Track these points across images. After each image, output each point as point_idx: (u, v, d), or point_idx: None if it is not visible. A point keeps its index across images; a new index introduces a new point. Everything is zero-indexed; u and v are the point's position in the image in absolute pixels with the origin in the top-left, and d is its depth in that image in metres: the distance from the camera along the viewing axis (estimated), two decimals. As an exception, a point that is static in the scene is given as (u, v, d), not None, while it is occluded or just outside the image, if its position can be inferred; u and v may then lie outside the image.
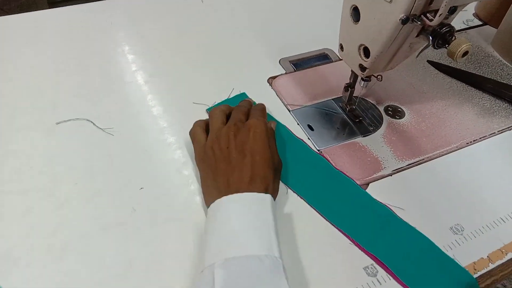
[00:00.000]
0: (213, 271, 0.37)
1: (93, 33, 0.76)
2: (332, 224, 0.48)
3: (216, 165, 0.48)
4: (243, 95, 0.59)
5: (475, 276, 0.45)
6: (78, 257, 0.45)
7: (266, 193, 0.45)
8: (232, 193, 0.44)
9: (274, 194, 0.48)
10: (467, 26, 0.84)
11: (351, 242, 0.47)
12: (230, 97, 0.55)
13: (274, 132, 0.56)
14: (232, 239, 0.40)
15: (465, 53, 0.43)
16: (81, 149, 0.55)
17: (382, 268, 0.45)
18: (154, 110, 0.61)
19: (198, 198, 0.50)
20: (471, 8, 0.88)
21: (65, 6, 0.83)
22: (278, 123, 0.59)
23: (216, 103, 0.58)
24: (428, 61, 0.72)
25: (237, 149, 0.48)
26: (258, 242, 0.40)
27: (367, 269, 0.45)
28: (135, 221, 0.48)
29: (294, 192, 0.51)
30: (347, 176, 0.53)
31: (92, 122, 0.58)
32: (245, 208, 0.43)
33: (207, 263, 0.39)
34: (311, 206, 0.50)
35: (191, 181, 0.52)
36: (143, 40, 0.75)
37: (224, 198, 0.44)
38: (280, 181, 0.52)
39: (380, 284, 0.44)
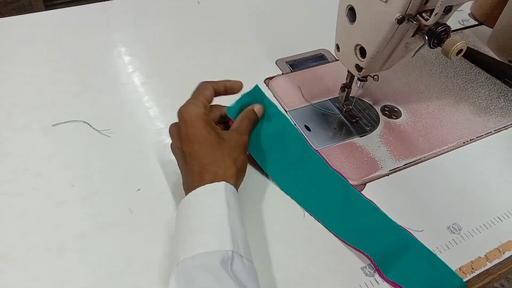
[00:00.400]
0: (169, 281, 0.38)
1: (90, 35, 0.76)
2: (326, 227, 0.48)
3: (179, 167, 0.49)
4: (256, 89, 0.53)
5: (472, 275, 0.45)
6: (75, 257, 0.45)
7: (218, 181, 0.43)
8: (187, 192, 0.44)
9: (231, 178, 0.45)
10: (463, 26, 0.84)
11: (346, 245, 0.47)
12: (244, 93, 0.52)
13: (214, 111, 0.51)
14: (185, 240, 0.40)
15: (460, 51, 0.43)
16: (78, 151, 0.55)
17: (375, 269, 0.45)
18: (150, 111, 0.61)
19: (195, 199, 0.50)
20: (466, 8, 0.89)
21: (62, 8, 0.83)
22: (274, 110, 0.56)
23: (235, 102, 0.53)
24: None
25: (182, 145, 0.46)
26: (208, 238, 0.39)
27: (364, 269, 0.45)
28: (132, 221, 0.48)
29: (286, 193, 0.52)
30: (342, 175, 0.53)
31: (88, 123, 0.58)
32: (199, 204, 0.42)
33: (169, 272, 0.39)
34: (303, 209, 0.50)
35: (188, 182, 0.52)
36: (139, 41, 0.75)
37: (184, 198, 0.43)
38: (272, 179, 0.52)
39: (378, 284, 0.44)
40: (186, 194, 0.44)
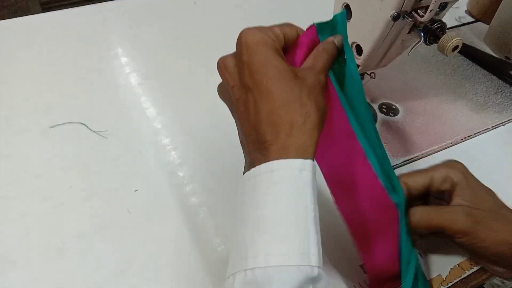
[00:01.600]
0: (233, 285, 0.29)
1: (87, 36, 0.76)
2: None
3: (233, 115, 0.37)
4: (343, 14, 0.38)
5: (471, 271, 0.45)
6: (74, 258, 0.45)
7: (303, 158, 0.31)
8: (257, 157, 0.32)
9: (314, 128, 0.32)
10: (460, 23, 0.84)
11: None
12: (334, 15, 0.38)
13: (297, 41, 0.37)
14: (257, 239, 0.30)
15: (455, 48, 0.43)
16: (76, 152, 0.55)
17: None
18: (148, 112, 0.61)
19: (194, 199, 0.50)
20: (463, 5, 0.89)
21: (59, 10, 0.83)
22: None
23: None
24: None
25: (241, 80, 0.34)
26: (289, 245, 0.29)
27: (364, 267, 0.45)
28: (131, 222, 0.48)
29: None
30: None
31: (86, 125, 0.58)
32: (276, 188, 0.30)
33: (229, 271, 0.30)
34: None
35: (186, 182, 0.52)
36: (136, 42, 0.75)
37: (251, 171, 0.32)
38: None
39: (377, 281, 0.44)
40: (248, 159, 0.33)
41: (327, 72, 0.36)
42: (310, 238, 0.29)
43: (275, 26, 0.35)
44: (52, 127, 0.58)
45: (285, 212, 0.30)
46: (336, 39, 0.37)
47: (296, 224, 0.29)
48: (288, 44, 0.36)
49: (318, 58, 0.35)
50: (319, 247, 0.30)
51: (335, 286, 0.43)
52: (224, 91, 0.37)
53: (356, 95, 0.39)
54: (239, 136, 0.36)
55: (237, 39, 0.35)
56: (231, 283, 0.29)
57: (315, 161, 0.32)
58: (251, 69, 0.33)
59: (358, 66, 0.52)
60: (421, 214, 0.39)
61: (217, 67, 0.37)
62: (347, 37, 0.38)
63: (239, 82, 0.34)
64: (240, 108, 0.34)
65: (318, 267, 0.29)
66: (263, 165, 0.31)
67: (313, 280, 0.28)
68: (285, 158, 0.31)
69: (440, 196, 0.44)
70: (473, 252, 0.41)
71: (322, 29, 0.38)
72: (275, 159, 0.31)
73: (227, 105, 0.37)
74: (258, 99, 0.32)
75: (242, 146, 0.35)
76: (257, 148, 0.32)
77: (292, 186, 0.30)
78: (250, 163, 0.33)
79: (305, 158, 0.31)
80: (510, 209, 0.42)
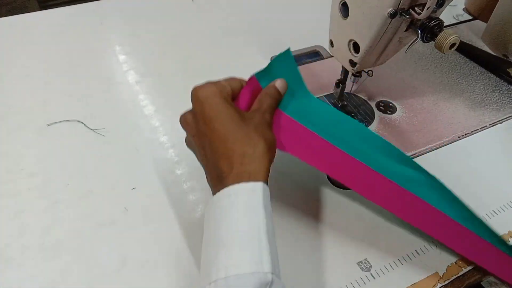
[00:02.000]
0: None
1: (84, 34, 0.75)
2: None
3: (199, 160, 0.42)
4: (287, 53, 0.45)
5: (468, 268, 0.45)
6: (71, 256, 0.45)
7: (254, 180, 0.36)
8: (218, 187, 0.37)
9: (263, 156, 0.37)
10: (458, 21, 0.84)
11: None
12: (272, 59, 0.44)
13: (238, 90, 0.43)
14: (219, 255, 0.34)
15: (453, 45, 0.43)
16: (73, 150, 0.55)
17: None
18: (145, 109, 0.61)
19: (191, 197, 0.50)
20: (461, 3, 0.89)
21: (56, 8, 0.82)
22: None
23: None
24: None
25: (198, 129, 0.40)
26: (244, 256, 0.33)
27: (360, 264, 0.45)
28: (128, 220, 0.48)
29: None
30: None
31: (83, 123, 0.58)
32: (232, 209, 0.35)
33: (201, 285, 0.34)
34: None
35: (184, 179, 0.52)
36: (134, 40, 0.75)
37: (213, 198, 0.37)
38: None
39: (374, 278, 0.44)
40: (213, 191, 0.38)
41: (272, 111, 0.42)
42: (262, 249, 0.33)
43: (221, 80, 0.42)
44: (49, 125, 0.58)
45: (240, 229, 0.34)
46: (277, 83, 0.44)
47: (249, 238, 0.34)
48: (235, 94, 0.42)
49: (262, 101, 0.42)
50: (273, 256, 0.34)
51: (332, 283, 0.44)
52: (189, 142, 0.43)
53: (331, 116, 0.46)
54: (206, 179, 0.41)
55: (190, 95, 0.40)
56: None
57: (265, 184, 0.37)
58: (204, 118, 0.39)
59: (356, 64, 0.52)
60: None
61: (180, 122, 0.43)
62: (297, 72, 0.45)
63: (196, 131, 0.40)
64: (201, 152, 0.40)
65: (272, 273, 0.32)
66: (221, 191, 0.36)
67: (268, 285, 0.32)
68: (239, 183, 0.36)
69: None
70: None
71: (262, 76, 0.44)
72: (231, 185, 0.36)
73: (194, 154, 0.43)
74: (214, 141, 0.38)
75: (210, 187, 0.40)
76: (218, 181, 0.37)
77: (246, 206, 0.35)
78: (214, 193, 0.37)
79: (256, 181, 0.36)
80: None
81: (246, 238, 0.34)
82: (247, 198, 0.36)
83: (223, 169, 0.37)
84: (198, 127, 0.40)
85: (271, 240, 0.35)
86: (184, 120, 0.42)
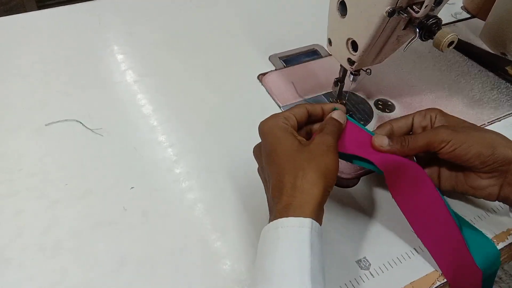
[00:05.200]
0: None
1: (82, 34, 0.75)
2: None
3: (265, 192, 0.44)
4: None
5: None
6: (70, 256, 0.45)
7: (301, 215, 0.36)
8: (271, 217, 0.39)
9: (313, 186, 0.38)
10: (456, 19, 0.84)
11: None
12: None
13: (297, 122, 0.44)
14: (262, 282, 0.35)
15: (451, 43, 0.43)
16: (71, 150, 0.55)
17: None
18: (144, 109, 0.61)
19: (190, 196, 0.50)
20: (459, 1, 0.89)
21: (54, 7, 0.82)
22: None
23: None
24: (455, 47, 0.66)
25: (262, 162, 0.43)
26: None
27: (360, 262, 0.45)
28: (126, 219, 0.48)
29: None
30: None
31: (81, 122, 0.58)
32: (278, 243, 0.36)
33: None
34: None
35: (183, 178, 0.52)
36: (132, 39, 0.75)
37: (265, 227, 0.38)
38: None
39: (373, 277, 0.44)
40: (270, 217, 0.39)
41: (334, 136, 0.42)
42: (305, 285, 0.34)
43: (286, 111, 0.44)
44: (48, 124, 0.58)
45: (283, 267, 0.35)
46: (334, 114, 0.45)
47: (292, 277, 0.34)
48: (301, 122, 0.44)
49: (325, 126, 0.44)
50: None
51: (331, 281, 0.44)
52: (259, 173, 0.46)
53: None
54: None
55: (258, 129, 0.43)
56: None
57: (314, 220, 0.37)
58: (266, 151, 0.41)
59: (354, 62, 0.52)
60: (409, 140, 0.45)
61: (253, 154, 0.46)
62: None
63: (261, 164, 0.43)
64: (264, 183, 0.44)
65: None
66: (272, 222, 0.37)
67: None
68: (287, 216, 0.36)
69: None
70: (457, 158, 0.44)
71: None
72: (280, 218, 0.37)
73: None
74: (271, 172, 0.40)
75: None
76: (271, 210, 0.40)
77: (291, 242, 0.36)
78: (268, 222, 0.39)
79: (304, 217, 0.36)
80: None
81: (289, 275, 0.34)
82: (293, 234, 0.36)
83: (275, 200, 0.39)
84: (263, 160, 0.42)
85: (316, 280, 0.35)
86: (254, 152, 0.46)
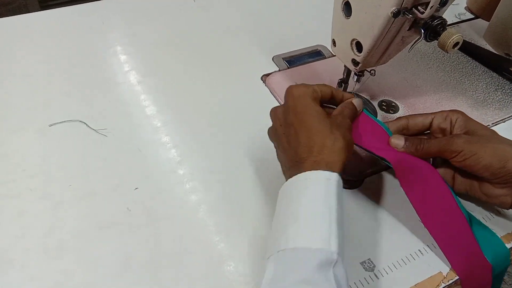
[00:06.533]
0: (267, 264, 0.37)
1: (85, 34, 0.75)
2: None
3: (280, 149, 0.46)
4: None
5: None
6: (73, 257, 0.44)
7: (331, 170, 0.40)
8: (294, 171, 0.41)
9: (341, 151, 0.41)
10: (459, 20, 0.84)
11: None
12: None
13: (326, 95, 0.48)
14: (289, 227, 0.38)
15: (456, 44, 0.43)
16: (75, 150, 0.55)
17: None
18: (147, 110, 0.61)
19: (194, 197, 0.50)
20: (463, 2, 0.89)
21: (57, 8, 0.82)
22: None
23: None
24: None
25: (286, 119, 0.45)
26: (314, 233, 0.37)
27: (364, 263, 0.45)
28: (130, 220, 0.48)
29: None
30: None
31: (85, 123, 0.58)
32: (308, 190, 0.39)
33: (267, 255, 0.38)
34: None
35: (187, 179, 0.52)
36: (135, 40, 0.75)
37: (289, 180, 0.41)
38: None
39: (378, 278, 0.44)
40: (288, 177, 0.42)
41: (352, 119, 0.47)
42: (332, 230, 0.37)
43: (315, 85, 0.47)
44: (51, 125, 0.58)
45: (313, 209, 0.38)
46: (354, 101, 0.49)
47: (321, 219, 0.37)
48: (325, 98, 0.47)
49: (343, 109, 0.47)
50: (339, 238, 0.37)
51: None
52: (272, 133, 0.48)
53: None
54: (282, 170, 0.47)
55: (285, 92, 0.46)
56: (267, 263, 0.37)
57: (339, 175, 0.40)
58: (295, 111, 0.44)
59: (359, 63, 0.52)
60: (424, 145, 0.46)
61: (270, 113, 0.48)
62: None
63: (284, 121, 0.45)
64: (284, 140, 0.45)
65: (338, 253, 0.35)
66: (300, 174, 0.40)
67: (332, 263, 0.35)
68: (317, 170, 0.40)
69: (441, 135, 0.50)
70: (468, 168, 0.45)
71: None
72: (309, 171, 0.40)
73: (274, 143, 0.48)
74: (299, 130, 0.43)
75: (284, 174, 0.46)
76: (295, 165, 0.42)
77: (320, 191, 0.39)
78: (289, 176, 0.42)
79: (332, 171, 0.40)
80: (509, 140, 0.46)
81: (318, 217, 0.37)
82: (323, 184, 0.39)
83: (303, 155, 0.41)
84: (287, 118, 0.45)
85: (340, 226, 0.38)
86: (274, 112, 0.48)
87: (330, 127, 0.42)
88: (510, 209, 0.47)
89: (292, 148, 0.43)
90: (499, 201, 0.46)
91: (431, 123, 0.49)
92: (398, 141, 0.47)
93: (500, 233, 0.47)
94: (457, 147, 0.44)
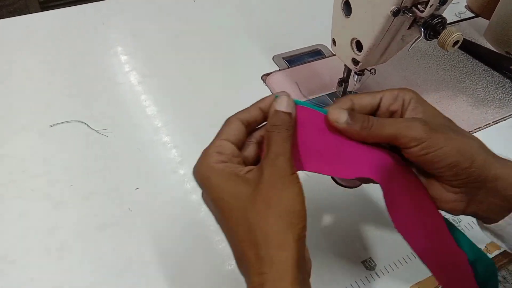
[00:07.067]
0: None
1: (86, 35, 0.75)
2: None
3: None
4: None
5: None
6: (74, 257, 0.45)
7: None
8: (244, 276, 0.32)
9: (286, 248, 0.30)
10: (460, 19, 0.84)
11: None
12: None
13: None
14: None
15: (456, 43, 0.43)
16: (76, 151, 0.55)
17: None
18: (148, 110, 0.61)
19: (194, 197, 0.50)
20: (463, 0, 0.89)
21: (57, 9, 0.82)
22: None
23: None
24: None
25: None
26: None
27: (365, 262, 0.45)
28: (131, 220, 0.48)
29: None
30: None
31: (86, 123, 0.58)
32: None
33: None
34: None
35: (187, 179, 0.52)
36: (135, 40, 0.75)
37: None
38: None
39: (379, 277, 0.44)
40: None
41: (286, 151, 0.32)
42: None
43: (216, 138, 0.35)
44: (52, 126, 0.58)
45: None
46: (276, 104, 0.34)
47: None
48: (240, 141, 0.35)
49: (269, 142, 0.33)
50: None
51: (337, 281, 0.44)
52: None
53: None
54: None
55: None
56: None
57: None
58: (210, 208, 0.33)
59: (359, 62, 0.52)
60: (373, 123, 0.35)
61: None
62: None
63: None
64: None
65: None
66: None
67: None
68: None
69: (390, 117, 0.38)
70: (427, 164, 0.34)
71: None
72: None
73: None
74: (227, 239, 0.32)
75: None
76: (242, 266, 0.32)
77: None
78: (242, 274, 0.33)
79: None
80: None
81: None
82: None
83: (245, 278, 0.31)
84: (212, 211, 0.34)
85: None
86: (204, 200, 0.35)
87: (256, 218, 0.30)
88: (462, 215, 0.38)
89: (232, 247, 0.32)
90: (450, 206, 0.36)
91: (379, 104, 0.37)
92: (339, 115, 0.34)
93: (485, 242, 0.47)
94: (420, 135, 0.33)
